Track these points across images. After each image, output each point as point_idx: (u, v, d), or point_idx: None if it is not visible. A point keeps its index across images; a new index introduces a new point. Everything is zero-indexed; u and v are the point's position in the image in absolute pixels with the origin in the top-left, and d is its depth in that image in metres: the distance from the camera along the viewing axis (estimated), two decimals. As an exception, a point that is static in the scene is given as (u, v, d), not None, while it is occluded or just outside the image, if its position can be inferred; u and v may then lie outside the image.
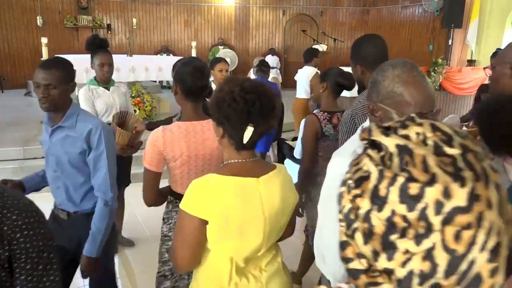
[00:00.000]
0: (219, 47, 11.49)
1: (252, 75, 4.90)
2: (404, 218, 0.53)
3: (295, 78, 5.57)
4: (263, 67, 4.70)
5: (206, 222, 1.22)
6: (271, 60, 10.24)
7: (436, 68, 7.49)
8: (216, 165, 1.81)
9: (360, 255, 0.59)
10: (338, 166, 1.16)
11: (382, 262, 0.56)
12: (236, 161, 1.30)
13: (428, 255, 0.53)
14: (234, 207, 1.22)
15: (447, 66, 8.13)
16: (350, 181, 0.61)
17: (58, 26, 10.42)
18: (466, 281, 0.53)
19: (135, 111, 5.81)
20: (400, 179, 0.53)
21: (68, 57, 7.51)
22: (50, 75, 1.74)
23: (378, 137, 0.57)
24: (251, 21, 12.18)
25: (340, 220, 0.63)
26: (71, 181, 1.88)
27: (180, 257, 1.28)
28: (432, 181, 0.52)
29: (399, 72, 1.14)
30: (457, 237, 0.52)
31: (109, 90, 2.95)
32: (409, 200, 0.53)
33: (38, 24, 9.77)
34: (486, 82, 5.49)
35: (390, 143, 0.55)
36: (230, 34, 12.15)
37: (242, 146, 1.26)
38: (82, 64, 6.62)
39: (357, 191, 0.58)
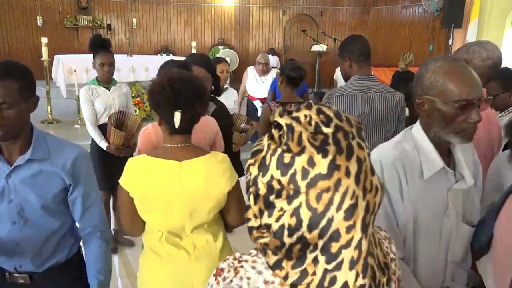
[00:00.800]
0: (219, 47, 11.49)
1: (250, 72, 4.83)
2: (279, 182, 0.65)
3: (335, 77, 5.75)
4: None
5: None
6: (271, 60, 10.24)
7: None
8: None
9: (255, 216, 0.71)
10: (380, 154, 1.25)
11: (265, 219, 0.69)
12: (168, 145, 1.47)
13: (295, 212, 0.65)
14: (153, 185, 1.40)
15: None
16: (250, 157, 0.73)
17: (58, 26, 10.43)
18: (328, 235, 0.65)
19: (135, 111, 5.81)
20: (279, 150, 0.66)
21: (68, 57, 7.47)
22: (2, 90, 1.23)
23: (276, 118, 0.69)
24: (251, 21, 12.18)
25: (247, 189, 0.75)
26: (40, 231, 1.39)
27: (122, 223, 1.53)
28: (301, 152, 0.64)
29: (441, 63, 1.18)
30: (318, 198, 0.64)
31: (109, 90, 2.95)
32: (283, 167, 0.65)
33: (38, 24, 9.78)
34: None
35: (282, 122, 0.67)
36: (230, 34, 12.15)
37: (174, 130, 1.43)
38: (82, 64, 6.65)
39: (251, 161, 0.70)
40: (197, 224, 1.50)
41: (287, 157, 0.65)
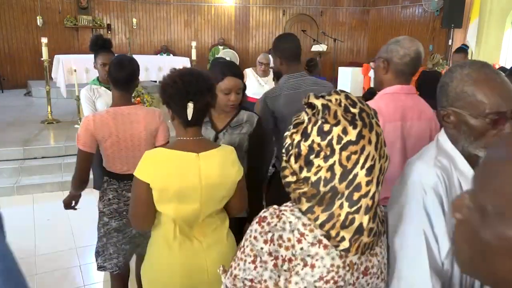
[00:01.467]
0: (219, 47, 11.48)
1: (249, 74, 4.76)
2: (319, 145, 0.87)
3: (369, 74, 5.81)
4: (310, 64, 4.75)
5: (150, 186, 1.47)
6: (271, 60, 10.22)
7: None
8: (145, 145, 2.06)
9: (292, 173, 0.92)
10: (419, 173, 1.07)
11: (304, 173, 0.90)
12: (183, 138, 1.54)
13: (330, 168, 0.87)
14: (173, 176, 1.47)
15: (447, 66, 8.12)
16: (290, 126, 0.94)
17: (58, 26, 10.41)
18: (353, 186, 0.87)
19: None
20: (319, 122, 0.88)
21: (68, 57, 7.48)
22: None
23: (312, 99, 0.90)
24: (251, 21, 12.18)
25: (282, 153, 0.95)
26: None
27: (133, 214, 1.54)
28: (337, 123, 0.86)
29: (468, 70, 1.06)
30: (348, 158, 0.86)
31: (111, 90, 2.95)
32: (323, 134, 0.87)
33: (38, 24, 9.76)
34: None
35: (318, 103, 0.88)
36: (230, 34, 12.15)
37: (187, 123, 1.51)
38: (82, 64, 6.64)
39: (294, 130, 0.93)
40: (210, 212, 1.58)
41: (326, 127, 0.86)
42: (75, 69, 6.28)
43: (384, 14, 11.85)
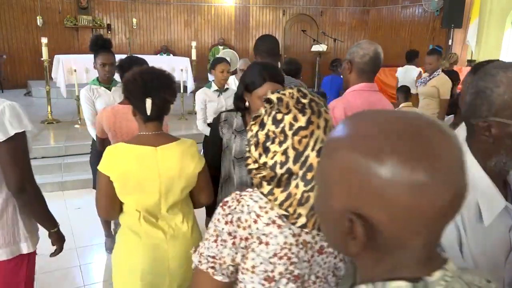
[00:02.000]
0: (219, 47, 11.48)
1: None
2: (273, 132, 0.98)
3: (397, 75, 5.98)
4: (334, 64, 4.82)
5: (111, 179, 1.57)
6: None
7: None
8: None
9: (254, 161, 1.01)
10: None
11: (262, 159, 1.00)
12: (143, 133, 1.64)
13: (284, 152, 0.97)
14: (132, 168, 1.56)
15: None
16: (251, 121, 1.05)
17: (58, 26, 10.41)
18: (306, 167, 0.96)
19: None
20: (273, 112, 0.99)
21: (68, 57, 7.48)
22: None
23: (269, 95, 1.02)
24: (251, 21, 12.17)
25: (246, 145, 1.06)
26: None
27: (99, 206, 1.65)
28: (288, 112, 0.97)
29: None
30: (300, 142, 0.96)
31: (110, 90, 2.95)
32: (276, 122, 0.97)
33: (38, 24, 9.76)
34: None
35: (274, 97, 1.00)
36: (230, 34, 12.15)
37: (147, 118, 1.60)
38: (82, 64, 6.64)
39: (253, 122, 1.03)
40: (172, 203, 1.66)
41: (279, 116, 0.97)
42: (75, 69, 6.28)
43: (384, 14, 11.85)
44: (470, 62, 9.12)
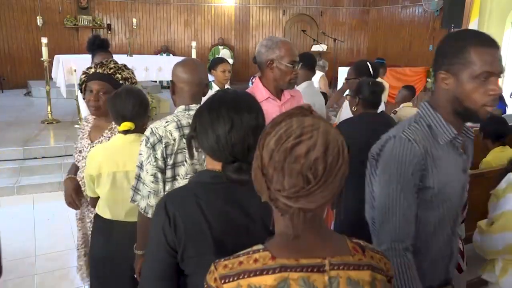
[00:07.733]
0: (219, 47, 11.49)
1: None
2: None
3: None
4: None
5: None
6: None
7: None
8: None
9: None
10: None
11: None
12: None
13: None
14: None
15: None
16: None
17: (58, 26, 10.42)
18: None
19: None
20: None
21: (68, 57, 7.43)
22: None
23: None
24: (251, 21, 12.18)
25: None
26: None
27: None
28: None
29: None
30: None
31: (109, 90, 2.94)
32: None
33: (38, 24, 9.75)
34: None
35: None
36: (230, 34, 12.15)
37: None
38: (82, 64, 6.62)
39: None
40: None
41: None
42: (75, 69, 6.28)
43: (384, 14, 11.85)
44: (470, 62, 9.12)
